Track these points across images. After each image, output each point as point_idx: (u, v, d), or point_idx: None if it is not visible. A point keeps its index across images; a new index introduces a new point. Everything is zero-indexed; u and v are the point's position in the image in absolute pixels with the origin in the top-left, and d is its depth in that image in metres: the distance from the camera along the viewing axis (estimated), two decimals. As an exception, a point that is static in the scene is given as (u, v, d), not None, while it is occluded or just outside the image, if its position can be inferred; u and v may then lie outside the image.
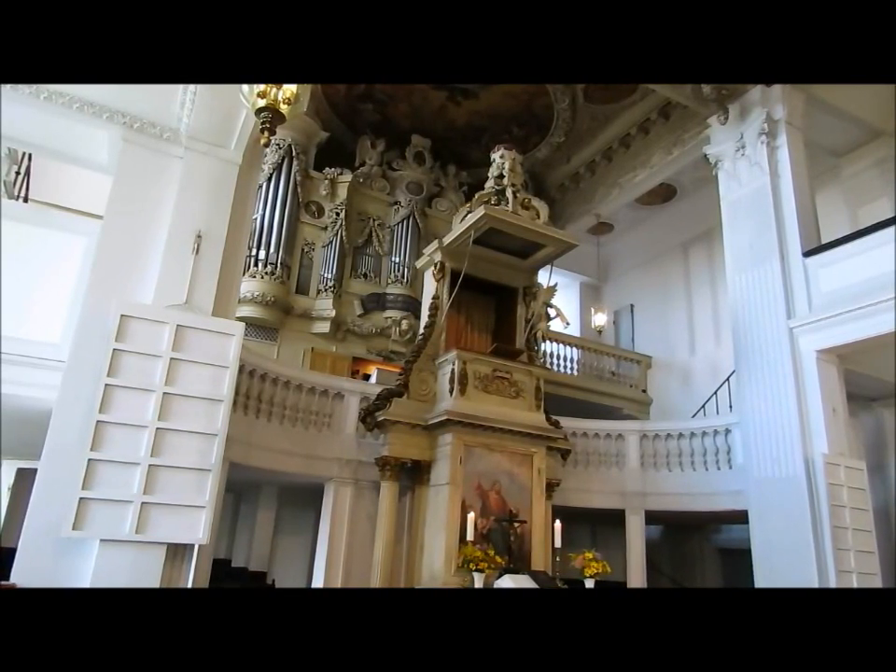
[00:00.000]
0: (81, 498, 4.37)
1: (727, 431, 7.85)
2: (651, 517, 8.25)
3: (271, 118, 2.90)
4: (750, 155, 8.05)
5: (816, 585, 6.15)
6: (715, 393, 9.86)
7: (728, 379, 9.26)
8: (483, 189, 7.68)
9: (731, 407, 8.98)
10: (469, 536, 5.95)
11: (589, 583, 6.04)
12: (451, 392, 6.70)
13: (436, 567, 6.17)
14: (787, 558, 6.50)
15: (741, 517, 7.25)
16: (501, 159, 7.66)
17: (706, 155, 8.79)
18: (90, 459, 4.45)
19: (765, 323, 7.43)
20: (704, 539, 9.96)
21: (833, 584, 6.08)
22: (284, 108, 2.93)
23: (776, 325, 7.28)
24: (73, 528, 4.32)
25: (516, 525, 6.40)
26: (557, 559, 6.39)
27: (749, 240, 7.91)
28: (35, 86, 5.04)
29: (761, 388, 7.31)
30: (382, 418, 6.70)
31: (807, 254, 7.26)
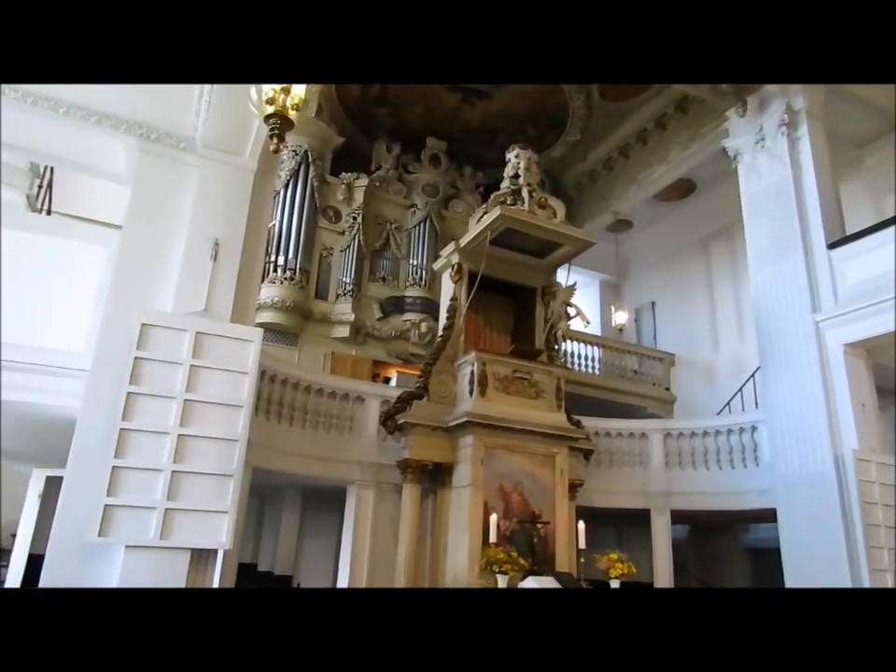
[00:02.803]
0: (106, 505, 4.42)
1: (753, 428, 7.71)
2: (677, 517, 8.13)
3: (279, 124, 2.91)
4: (771, 147, 7.91)
5: (849, 585, 6.00)
6: (740, 390, 9.70)
7: (753, 375, 9.10)
8: (499, 189, 7.65)
9: (756, 404, 8.82)
10: (493, 538, 5.92)
11: (614, 585, 5.97)
12: (471, 394, 6.67)
13: (459, 569, 6.14)
14: (818, 557, 6.36)
15: (769, 516, 7.11)
16: (517, 158, 7.63)
17: (724, 149, 8.66)
18: (114, 466, 4.49)
19: (790, 318, 7.29)
20: (731, 538, 9.79)
21: (866, 584, 5.93)
22: (292, 114, 2.94)
23: (801, 319, 7.14)
24: (98, 534, 4.37)
25: (539, 526, 6.35)
26: (582, 560, 6.32)
27: (771, 234, 7.76)
28: (54, 100, 5.13)
29: (787, 384, 7.16)
30: (402, 421, 6.70)
31: (832, 246, 7.11)
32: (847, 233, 7.25)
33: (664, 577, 7.66)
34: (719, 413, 9.75)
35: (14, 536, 7.81)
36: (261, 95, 2.95)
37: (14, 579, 7.22)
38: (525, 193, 7.34)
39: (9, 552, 7.73)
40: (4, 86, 4.96)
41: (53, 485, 7.21)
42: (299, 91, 2.95)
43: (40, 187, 7.35)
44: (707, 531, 9.76)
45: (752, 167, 8.19)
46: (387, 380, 9.67)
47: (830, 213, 7.41)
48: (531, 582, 5.66)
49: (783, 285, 7.45)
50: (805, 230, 7.39)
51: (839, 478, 6.43)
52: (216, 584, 5.03)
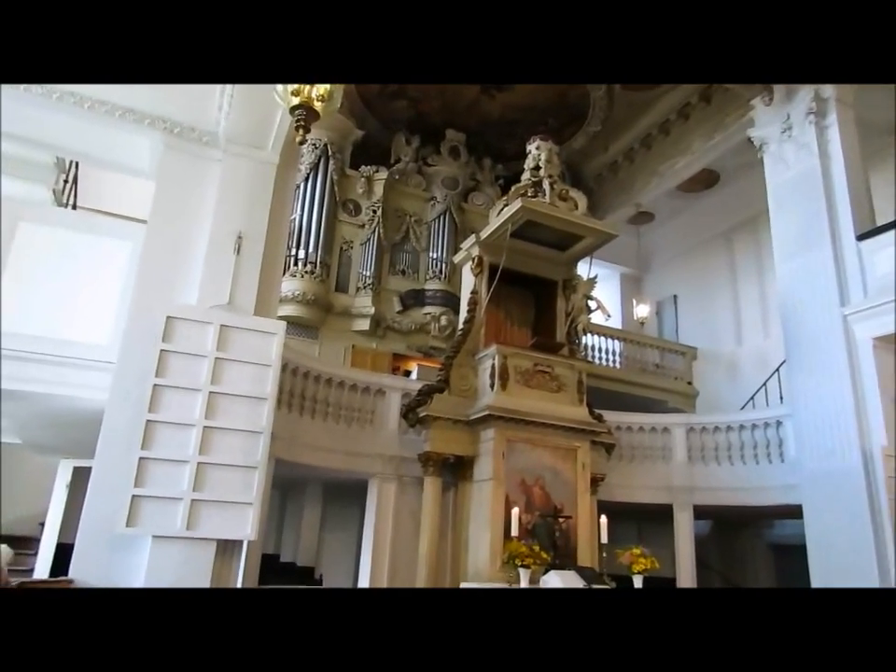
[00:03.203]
0: (134, 496, 4.49)
1: (778, 423, 7.59)
2: (700, 512, 8.05)
3: (305, 115, 2.91)
4: (798, 136, 7.75)
5: (876, 584, 5.89)
6: (764, 384, 9.56)
7: (778, 369, 8.96)
8: (520, 181, 7.59)
9: (781, 398, 8.69)
10: (514, 531, 5.91)
11: (637, 580, 5.93)
12: (492, 387, 6.65)
13: (481, 562, 6.14)
14: (845, 555, 6.25)
15: (794, 512, 7.01)
16: (537, 150, 7.57)
17: (749, 138, 8.49)
18: (141, 458, 4.56)
19: (817, 311, 7.15)
20: (756, 534, 9.67)
21: (894, 583, 5.82)
22: (318, 106, 2.93)
23: (828, 312, 7.00)
24: (126, 525, 4.44)
25: (561, 520, 6.33)
26: (604, 555, 6.28)
27: (797, 225, 7.61)
28: (79, 96, 5.18)
29: (814, 378, 7.04)
30: (423, 414, 6.70)
31: (861, 237, 6.95)
32: (878, 224, 7.09)
33: (686, 573, 7.60)
34: (742, 408, 9.62)
35: (42, 525, 7.96)
36: (287, 87, 2.94)
37: (43, 568, 7.36)
38: (545, 185, 7.29)
39: (38, 540, 7.88)
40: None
41: (81, 476, 7.35)
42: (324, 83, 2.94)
43: (66, 182, 7.45)
44: (730, 527, 9.66)
45: (779, 157, 8.03)
46: (408, 373, 9.68)
47: (859, 203, 7.24)
48: (553, 576, 5.64)
49: (810, 277, 7.31)
50: (834, 220, 7.24)
51: (867, 474, 6.31)
52: (240, 575, 5.08)
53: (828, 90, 7.58)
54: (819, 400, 6.93)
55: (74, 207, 7.68)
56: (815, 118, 7.56)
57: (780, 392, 8.87)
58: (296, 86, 2.88)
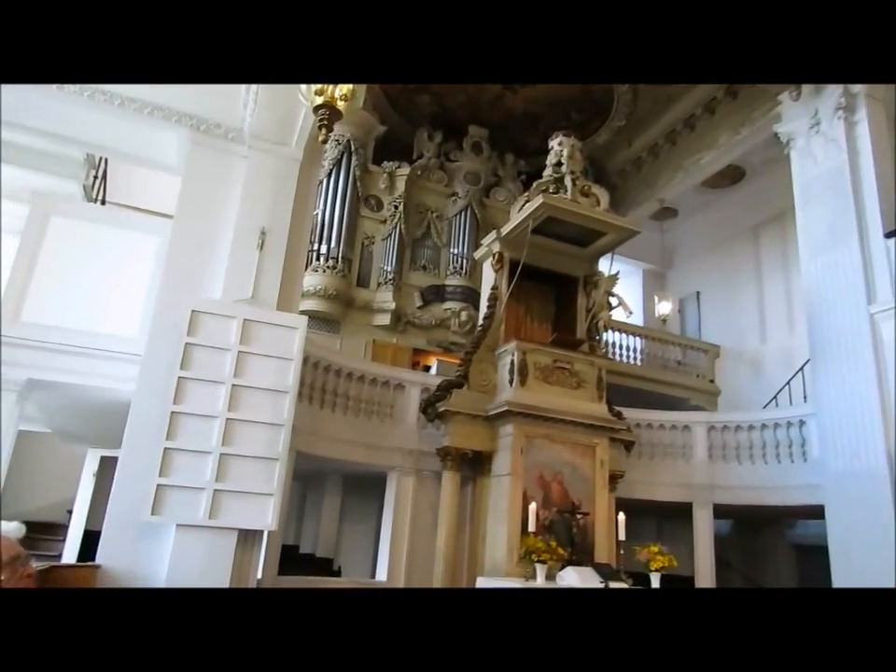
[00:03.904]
0: (158, 485, 4.61)
1: (801, 423, 7.50)
2: (721, 511, 7.99)
3: (328, 114, 2.95)
4: (826, 132, 7.62)
5: (900, 586, 5.81)
6: (788, 383, 9.43)
7: (802, 368, 8.84)
8: (542, 177, 7.58)
9: (805, 397, 8.57)
10: (531, 527, 5.92)
11: (654, 577, 5.91)
12: (511, 383, 6.67)
13: (498, 557, 6.18)
14: (867, 556, 6.17)
15: (817, 512, 6.93)
16: (559, 146, 7.54)
17: (776, 134, 8.37)
18: (165, 448, 4.68)
19: (843, 309, 7.04)
20: (777, 534, 9.56)
21: (918, 585, 5.74)
22: (340, 105, 2.97)
23: (855, 311, 6.89)
24: (151, 513, 4.56)
25: (579, 516, 6.33)
26: (622, 552, 6.28)
27: (825, 221, 7.49)
28: (109, 94, 5.30)
29: (839, 378, 6.94)
30: (442, 409, 6.75)
31: (890, 234, 6.82)
32: (907, 221, 6.96)
33: (705, 571, 7.56)
34: (765, 407, 9.51)
35: (70, 512, 8.18)
36: (311, 87, 2.99)
37: (71, 553, 7.56)
38: (567, 181, 7.27)
39: (66, 527, 8.10)
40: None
41: (107, 465, 7.54)
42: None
43: (95, 178, 7.61)
44: (751, 526, 9.57)
45: (806, 152, 7.90)
46: (427, 368, 9.72)
47: (888, 200, 7.10)
48: (570, 573, 5.66)
49: (837, 274, 7.19)
50: (862, 217, 7.11)
51: (892, 476, 6.21)
52: (260, 564, 5.18)
53: (857, 85, 7.43)
54: (843, 400, 6.83)
55: (103, 203, 7.84)
56: (844, 113, 7.42)
57: (804, 391, 8.75)
58: (319, 85, 2.93)
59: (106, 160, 7.69)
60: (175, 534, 4.66)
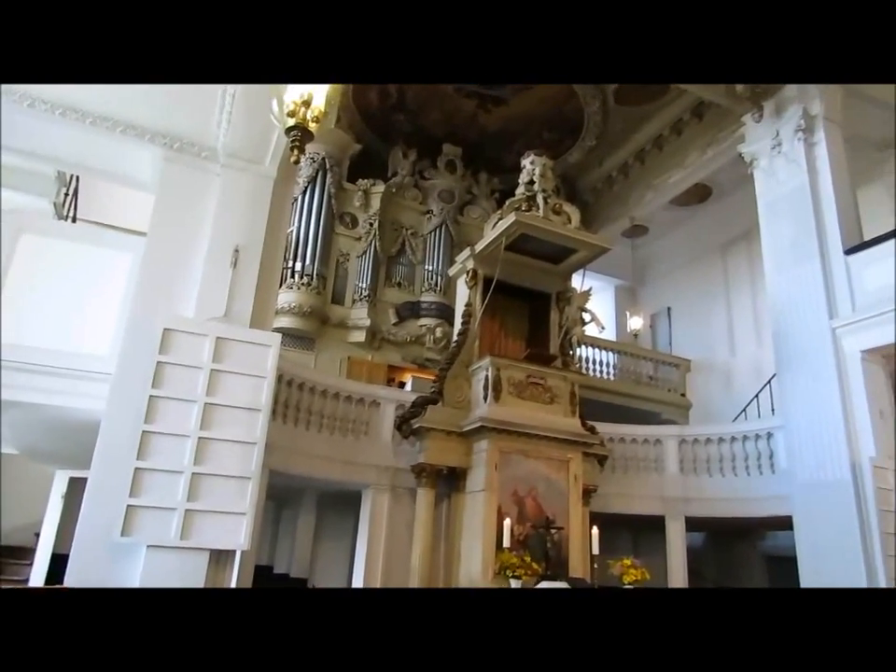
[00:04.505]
0: (129, 506, 4.54)
1: (769, 435, 7.66)
2: (694, 523, 8.10)
3: (300, 136, 3.00)
4: (787, 152, 7.89)
5: (866, 593, 5.94)
6: (756, 396, 9.64)
7: (770, 382, 9.05)
8: (515, 195, 7.70)
9: (773, 410, 8.76)
10: (506, 542, 5.96)
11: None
12: (485, 398, 6.73)
13: (473, 573, 6.18)
14: (834, 565, 6.31)
15: (786, 523, 7.07)
16: (531, 165, 7.68)
17: (741, 154, 8.63)
18: (136, 468, 4.61)
19: (807, 324, 7.25)
20: (750, 545, 9.71)
21: (884, 592, 5.87)
22: (312, 126, 3.03)
23: (818, 325, 7.10)
24: (121, 534, 4.49)
25: (553, 531, 6.38)
26: (596, 566, 6.33)
27: (788, 239, 7.73)
28: (82, 112, 5.29)
29: (804, 391, 7.13)
30: (417, 425, 6.77)
31: (849, 252, 7.07)
32: (866, 238, 7.21)
33: (678, 583, 7.63)
34: (735, 420, 9.69)
35: (37, 535, 7.98)
36: (282, 108, 3.04)
37: (38, 577, 7.38)
38: (539, 199, 7.40)
39: (33, 550, 7.90)
40: (34, 97, 5.13)
41: (76, 486, 7.39)
42: (319, 103, 3.04)
43: (66, 195, 7.55)
44: (724, 538, 9.70)
45: (769, 172, 8.17)
46: (403, 385, 9.75)
47: (847, 218, 7.36)
48: (545, 588, 5.68)
49: (800, 291, 7.41)
50: (822, 235, 7.35)
51: (856, 485, 6.38)
52: (233, 585, 5.12)
53: (815, 107, 7.73)
54: (809, 412, 7.01)
55: (74, 220, 7.77)
56: (803, 134, 7.70)
57: (772, 403, 8.95)
58: (291, 108, 2.98)
59: (78, 177, 7.64)
60: (145, 555, 4.59)
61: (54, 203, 7.30)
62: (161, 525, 4.60)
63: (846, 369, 6.82)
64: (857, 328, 6.75)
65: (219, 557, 4.87)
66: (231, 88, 5.06)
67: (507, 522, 6.07)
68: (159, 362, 4.84)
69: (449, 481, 6.83)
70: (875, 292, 6.70)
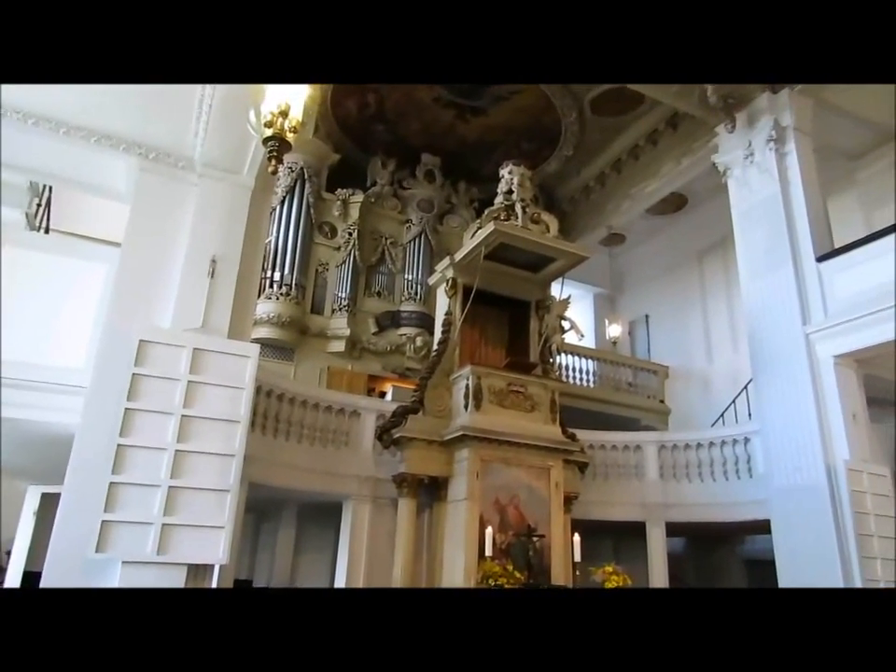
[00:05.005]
0: (104, 521, 4.45)
1: (746, 440, 7.76)
2: (674, 529, 8.15)
3: (278, 146, 2.99)
4: (760, 162, 8.05)
5: (843, 595, 6.02)
6: (733, 402, 9.77)
7: (746, 387, 9.17)
8: (494, 204, 7.75)
9: (750, 415, 8.88)
10: (488, 551, 5.94)
11: (610, 597, 5.98)
12: (466, 407, 6.72)
13: (456, 582, 6.15)
14: (812, 568, 6.39)
15: (764, 527, 7.15)
16: (510, 174, 7.73)
17: (715, 164, 8.79)
18: (111, 482, 4.53)
19: (781, 330, 7.38)
20: (730, 550, 9.80)
21: (860, 594, 5.96)
22: (290, 136, 3.02)
23: (792, 331, 7.23)
24: (96, 551, 4.39)
25: (535, 539, 6.37)
26: (578, 573, 6.34)
27: (761, 247, 7.87)
28: (55, 122, 5.22)
29: (779, 396, 7.24)
30: (398, 435, 6.74)
31: (821, 259, 7.22)
32: (837, 246, 7.36)
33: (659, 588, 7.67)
34: (713, 425, 9.80)
35: (9, 553, 7.79)
36: (260, 118, 3.04)
37: (10, 596, 7.19)
38: (518, 209, 7.44)
39: (4, 569, 7.71)
40: (7, 106, 5.05)
41: (49, 502, 7.24)
42: (296, 114, 3.04)
43: (39, 205, 7.43)
44: (704, 543, 9.78)
45: (742, 182, 8.32)
46: (383, 394, 9.71)
47: (818, 227, 7.52)
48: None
49: (774, 298, 7.55)
50: (795, 243, 7.50)
51: (832, 489, 6.48)
52: (213, 600, 5.03)
53: (786, 118, 7.90)
54: (784, 417, 7.12)
55: (47, 231, 7.65)
56: (775, 145, 7.86)
57: (749, 409, 9.07)
58: (268, 118, 2.98)
59: (50, 187, 7.53)
60: (120, 571, 4.50)
61: (26, 214, 7.19)
62: (137, 540, 4.51)
63: (819, 373, 6.95)
64: (829, 333, 6.89)
65: (197, 572, 4.79)
66: (207, 97, 5.04)
67: (488, 531, 6.06)
68: (134, 374, 4.77)
69: (430, 490, 6.81)
70: (847, 298, 6.85)
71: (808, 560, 6.46)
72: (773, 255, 7.67)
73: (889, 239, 6.54)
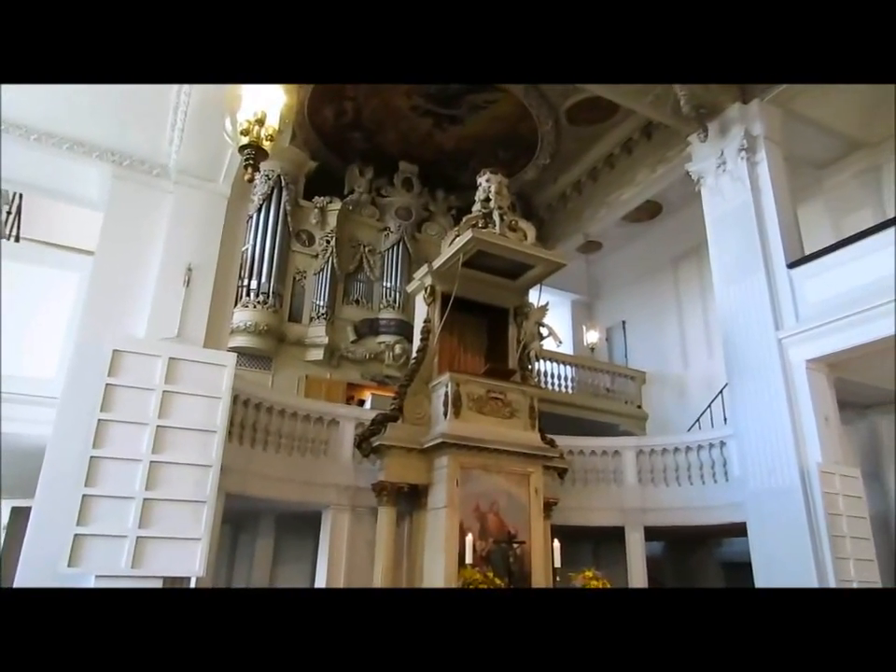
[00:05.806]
0: (76, 535, 4.35)
1: (722, 444, 7.87)
2: (652, 533, 8.22)
3: (254, 154, 2.98)
4: (732, 171, 8.20)
5: (817, 596, 6.12)
6: (709, 406, 9.90)
7: (721, 392, 9.30)
8: (472, 212, 7.78)
9: (725, 419, 9.01)
10: (469, 558, 5.93)
11: (590, 602, 6.00)
12: (445, 414, 6.71)
13: (436, 591, 6.12)
14: (787, 569, 6.48)
15: (741, 530, 7.24)
16: (487, 182, 7.78)
17: (688, 172, 8.93)
18: (84, 495, 4.43)
19: (755, 335, 7.50)
20: (707, 552, 9.91)
21: (834, 594, 6.06)
22: (266, 145, 3.01)
23: (764, 337, 7.35)
24: (68, 565, 4.29)
25: (515, 545, 6.38)
26: (558, 579, 6.36)
27: (734, 254, 8.01)
28: (25, 128, 5.14)
29: (753, 400, 7.35)
30: (377, 443, 6.71)
31: (792, 265, 7.37)
32: (807, 253, 7.52)
33: (639, 593, 7.72)
34: (689, 430, 9.92)
35: (-22, 569, 7.57)
36: (236, 126, 3.02)
37: (-22, 614, 6.98)
38: (496, 216, 7.48)
39: (-27, 586, 7.49)
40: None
41: (19, 516, 7.06)
42: (272, 122, 3.03)
43: (9, 213, 7.29)
44: (682, 547, 9.87)
45: (715, 190, 8.47)
46: (362, 402, 9.66)
47: (789, 234, 7.68)
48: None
49: (747, 303, 7.68)
50: (766, 250, 7.65)
51: (805, 491, 6.59)
52: (189, 613, 4.94)
53: (757, 127, 8.07)
54: (758, 421, 7.23)
55: (17, 239, 7.49)
56: (746, 154, 8.02)
57: (724, 413, 9.20)
58: (244, 126, 2.96)
59: (21, 194, 7.39)
60: (94, 586, 4.41)
61: (-4, 222, 7.05)
62: (111, 553, 4.42)
63: (792, 377, 7.08)
64: (801, 338, 7.02)
65: (173, 585, 4.72)
66: (183, 104, 4.99)
67: (469, 538, 6.05)
68: (108, 385, 4.68)
69: (410, 498, 6.78)
70: (818, 304, 7.00)
71: (784, 561, 6.56)
72: (745, 261, 7.81)
73: (859, 245, 6.70)
